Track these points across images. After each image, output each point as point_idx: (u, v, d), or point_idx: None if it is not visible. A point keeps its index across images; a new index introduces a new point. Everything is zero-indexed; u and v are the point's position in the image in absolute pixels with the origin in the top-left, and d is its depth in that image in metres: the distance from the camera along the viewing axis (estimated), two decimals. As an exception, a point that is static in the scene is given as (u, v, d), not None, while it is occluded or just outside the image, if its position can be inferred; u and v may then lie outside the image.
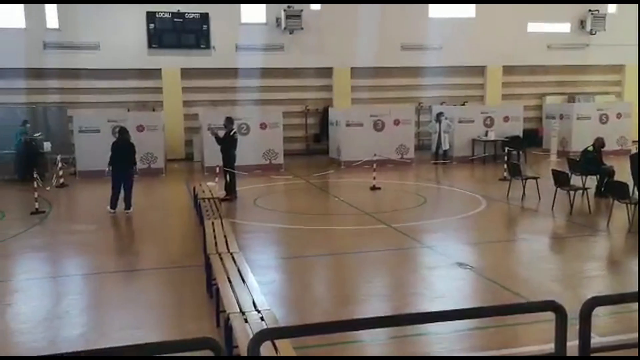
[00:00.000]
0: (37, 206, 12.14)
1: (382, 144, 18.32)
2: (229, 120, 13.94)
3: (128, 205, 12.19)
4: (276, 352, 4.00)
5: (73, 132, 17.99)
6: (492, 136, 19.87)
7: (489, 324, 5.69)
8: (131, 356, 2.61)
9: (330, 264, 8.85)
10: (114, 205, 12.10)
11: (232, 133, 13.75)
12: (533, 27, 24.13)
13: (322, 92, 23.45)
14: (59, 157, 16.10)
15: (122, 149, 12.27)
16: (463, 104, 23.00)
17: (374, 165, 15.13)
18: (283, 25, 21.88)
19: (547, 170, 15.14)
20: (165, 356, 2.61)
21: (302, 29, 22.01)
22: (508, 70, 24.26)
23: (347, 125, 19.26)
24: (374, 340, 5.67)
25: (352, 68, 23.08)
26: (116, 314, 6.68)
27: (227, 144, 13.60)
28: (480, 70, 24.49)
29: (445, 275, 7.94)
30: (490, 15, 23.34)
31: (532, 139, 21.96)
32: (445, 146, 19.71)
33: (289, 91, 22.82)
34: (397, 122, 19.50)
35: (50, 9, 20.55)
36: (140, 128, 17.85)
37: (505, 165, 15.12)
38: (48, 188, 14.35)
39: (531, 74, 24.55)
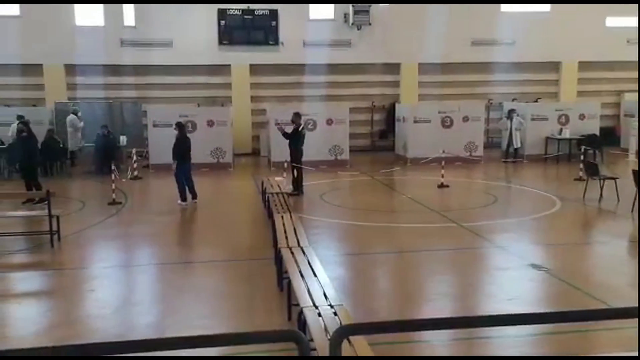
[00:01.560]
0: (114, 197, 12.65)
1: (450, 141, 17.97)
2: (297, 116, 14.04)
3: (194, 195, 12.67)
4: (351, 347, 3.98)
5: (147, 127, 18.62)
6: (567, 134, 19.10)
7: (565, 328, 5.46)
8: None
9: (397, 261, 8.76)
10: (183, 197, 12.47)
11: (300, 128, 13.84)
12: (612, 21, 23.00)
13: (388, 88, 23.25)
14: (133, 151, 16.74)
15: (182, 143, 12.65)
16: (536, 101, 22.21)
17: (442, 162, 14.86)
18: (351, 21, 21.82)
19: (625, 170, 14.42)
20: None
21: (370, 24, 21.89)
22: (584, 66, 23.22)
23: (415, 121, 19.01)
24: (442, 341, 5.56)
25: (419, 64, 22.75)
26: (187, 303, 6.84)
27: (295, 139, 13.70)
28: (555, 66, 23.57)
29: (519, 277, 7.69)
30: (565, 9, 22.41)
31: (609, 137, 20.99)
32: (517, 144, 19.11)
33: (355, 87, 22.77)
34: (466, 119, 19.08)
35: (128, 8, 21.33)
36: (210, 123, 18.28)
37: (581, 165, 14.50)
38: (124, 180, 14.91)
39: (609, 70, 23.39)
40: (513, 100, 22.03)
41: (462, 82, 22.84)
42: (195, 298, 7.06)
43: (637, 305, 3.14)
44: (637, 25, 22.76)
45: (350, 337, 4.05)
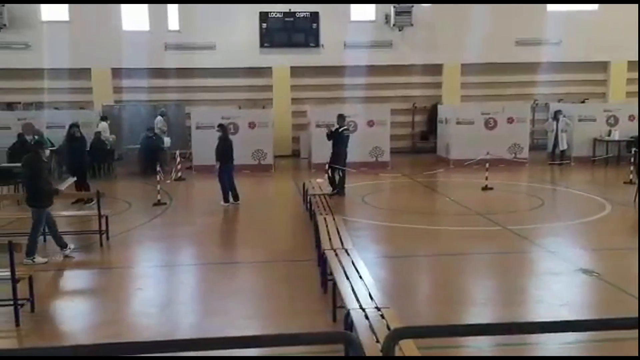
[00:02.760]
0: (159, 198, 12.87)
1: (494, 142, 17.61)
2: (341, 117, 14.01)
3: (236, 197, 12.76)
4: (399, 350, 3.92)
5: (190, 129, 18.90)
6: (616, 136, 18.50)
7: (621, 335, 5.25)
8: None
9: (440, 264, 8.62)
10: (226, 199, 12.60)
11: (341, 130, 13.80)
12: (664, 18, 22.16)
13: (430, 89, 23.02)
14: (177, 152, 17.01)
15: (225, 145, 12.73)
16: (583, 102, 21.63)
17: (486, 164, 14.59)
18: (392, 22, 21.70)
19: (681, 173, 13.84)
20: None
21: (411, 25, 21.73)
22: (633, 65, 22.47)
23: (457, 123, 18.75)
24: (490, 347, 5.42)
25: (462, 64, 22.45)
26: (230, 304, 6.87)
27: (336, 140, 13.68)
28: (602, 66, 22.91)
29: (569, 282, 7.46)
30: (614, 7, 21.75)
31: (661, 139, 20.21)
32: (563, 146, 18.63)
33: (396, 88, 22.62)
34: (510, 120, 18.71)
35: (172, 12, 21.74)
36: (251, 125, 18.44)
37: (631, 167, 14.02)
38: (168, 181, 15.17)
39: (661, 69, 22.59)
40: (559, 101, 21.51)
41: (506, 82, 22.45)
42: (237, 298, 7.10)
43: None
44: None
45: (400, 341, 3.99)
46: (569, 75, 22.62)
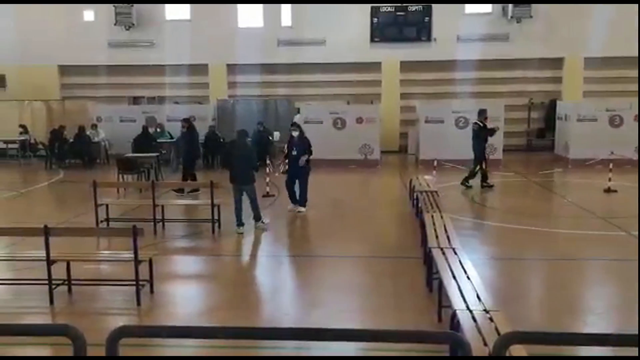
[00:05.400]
0: (267, 190, 13.24)
1: (619, 141, 16.36)
2: (482, 112, 13.76)
3: (301, 202, 11.50)
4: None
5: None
6: None
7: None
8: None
9: (554, 269, 8.12)
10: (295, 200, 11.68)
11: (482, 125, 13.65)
12: None
13: (548, 84, 21.83)
14: (286, 146, 17.35)
15: (298, 144, 11.46)
16: None
17: (610, 165, 13.57)
18: (510, 14, 20.79)
19: None
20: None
21: (530, 17, 20.70)
22: None
23: (578, 120, 17.62)
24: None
25: (585, 58, 21.05)
26: (333, 296, 6.91)
27: (482, 135, 13.57)
28: None
29: None
30: None
31: None
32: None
33: (512, 83, 21.68)
34: (638, 118, 17.28)
35: (285, 8, 22.27)
36: (359, 120, 18.47)
37: None
38: (277, 174, 15.55)
39: None
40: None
41: (634, 77, 20.73)
42: (341, 291, 7.12)
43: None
44: None
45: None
46: None
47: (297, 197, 11.49)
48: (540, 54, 21.24)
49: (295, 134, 11.39)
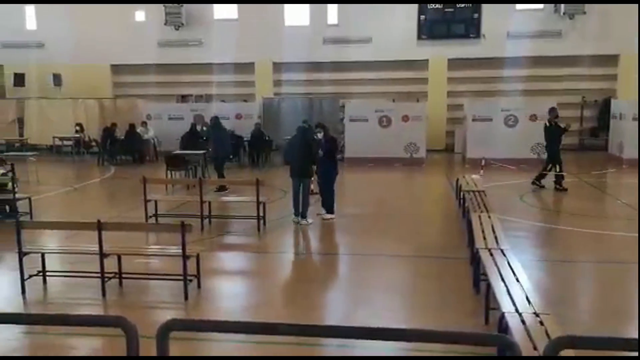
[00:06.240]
0: (312, 188, 13.24)
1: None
2: (553, 111, 13.50)
3: (327, 208, 10.92)
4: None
5: (343, 121, 19.26)
6: None
7: None
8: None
9: (607, 273, 7.85)
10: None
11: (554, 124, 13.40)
12: None
13: (602, 81, 21.14)
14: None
15: (324, 145, 10.95)
16: None
17: (668, 165, 13.04)
18: (562, 10, 20.21)
19: None
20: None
21: (584, 13, 20.07)
22: None
23: (634, 119, 16.97)
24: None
25: (642, 54, 20.28)
26: (377, 295, 6.87)
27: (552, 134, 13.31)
28: None
29: None
30: None
31: None
32: None
33: (563, 81, 21.09)
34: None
35: (331, 6, 22.28)
36: (405, 118, 18.33)
37: None
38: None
39: None
40: None
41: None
42: (386, 290, 7.08)
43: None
44: None
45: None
46: None
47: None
48: (593, 51, 20.58)
49: (320, 135, 11.00)
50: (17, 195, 10.44)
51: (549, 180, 13.56)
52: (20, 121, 22.27)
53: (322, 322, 5.97)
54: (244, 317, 6.11)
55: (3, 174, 10.66)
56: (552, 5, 20.61)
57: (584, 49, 20.54)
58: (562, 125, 13.48)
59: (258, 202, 9.94)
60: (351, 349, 5.13)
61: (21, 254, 6.71)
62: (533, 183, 13.58)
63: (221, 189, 13.06)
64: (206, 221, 10.22)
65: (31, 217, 10.23)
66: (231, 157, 18.03)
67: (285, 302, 6.84)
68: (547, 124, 13.57)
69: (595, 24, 20.28)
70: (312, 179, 10.99)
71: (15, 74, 23.64)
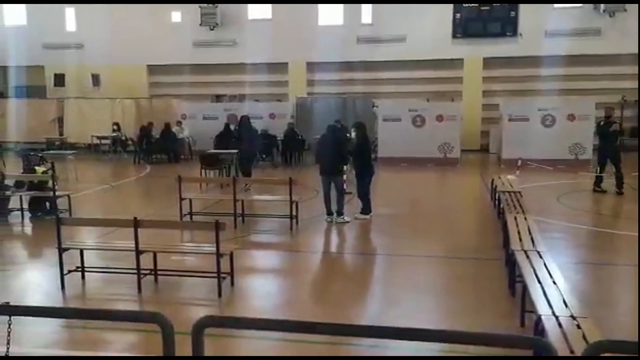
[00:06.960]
0: (345, 188, 13.22)
1: None
2: (606, 111, 13.45)
3: (364, 209, 10.86)
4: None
5: (376, 121, 19.18)
6: None
7: None
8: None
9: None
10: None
11: (602, 124, 13.30)
12: None
13: (643, 80, 20.51)
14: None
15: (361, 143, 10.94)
16: None
17: None
18: (602, 7, 19.72)
19: None
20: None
21: (625, 10, 19.55)
22: None
23: (677, 118, 16.47)
24: None
25: (686, 52, 19.65)
26: (410, 295, 6.83)
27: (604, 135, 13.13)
28: None
29: None
30: None
31: None
32: None
33: (603, 80, 20.57)
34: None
35: (366, 6, 22.21)
36: (439, 118, 18.16)
37: None
38: (353, 172, 15.53)
39: None
40: None
41: None
42: (419, 291, 7.02)
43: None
44: None
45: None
46: None
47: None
48: (634, 49, 20.02)
49: (353, 134, 11.06)
50: (56, 193, 10.72)
51: (607, 183, 13.25)
52: (60, 120, 22.88)
53: (354, 321, 5.95)
54: (276, 315, 6.14)
55: (43, 172, 10.97)
56: (591, 3, 20.14)
57: (625, 47, 20.00)
58: (611, 128, 13.13)
59: (291, 201, 9.98)
60: (383, 349, 5.11)
61: (61, 250, 6.88)
62: (594, 190, 13.22)
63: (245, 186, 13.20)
64: (239, 219, 10.30)
65: (70, 214, 10.49)
66: (264, 156, 18.18)
67: (316, 301, 6.84)
68: (603, 125, 13.34)
69: (636, 22, 19.72)
70: (344, 178, 10.97)
71: (56, 75, 24.31)
